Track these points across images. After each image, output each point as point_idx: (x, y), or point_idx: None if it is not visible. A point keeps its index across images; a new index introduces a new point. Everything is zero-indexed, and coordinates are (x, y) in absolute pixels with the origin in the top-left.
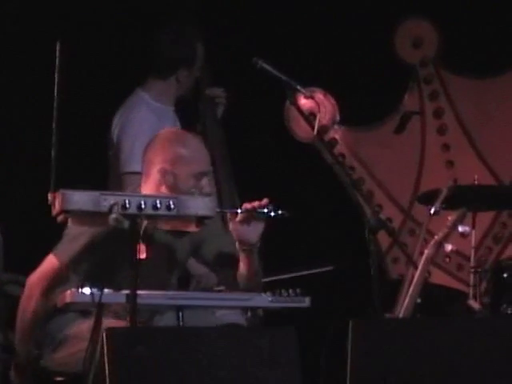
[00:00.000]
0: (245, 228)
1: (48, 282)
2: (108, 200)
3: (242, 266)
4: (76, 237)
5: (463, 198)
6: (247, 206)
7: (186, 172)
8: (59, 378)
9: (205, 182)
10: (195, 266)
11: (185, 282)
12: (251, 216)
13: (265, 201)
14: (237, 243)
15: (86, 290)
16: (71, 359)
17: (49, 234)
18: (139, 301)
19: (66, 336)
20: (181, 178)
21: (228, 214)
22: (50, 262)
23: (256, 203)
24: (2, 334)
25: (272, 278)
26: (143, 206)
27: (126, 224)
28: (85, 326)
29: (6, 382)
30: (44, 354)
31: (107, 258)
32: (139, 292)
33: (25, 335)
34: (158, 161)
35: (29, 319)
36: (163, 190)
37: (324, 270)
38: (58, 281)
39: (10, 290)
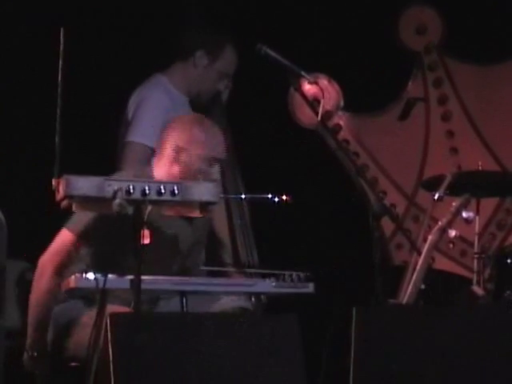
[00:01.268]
0: None
1: (61, 257)
2: (112, 185)
3: None
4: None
5: (467, 185)
6: None
7: (200, 153)
8: (73, 364)
9: (216, 169)
10: None
11: None
12: None
13: None
14: None
15: (90, 276)
16: (79, 345)
17: (53, 223)
18: (143, 286)
19: (72, 322)
20: (194, 158)
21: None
22: (63, 235)
23: None
24: (17, 318)
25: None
26: (147, 192)
27: (130, 210)
28: (88, 312)
29: (10, 367)
30: (53, 340)
31: (116, 240)
32: (143, 277)
33: (37, 318)
34: (175, 139)
35: (41, 300)
36: (175, 169)
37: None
38: (70, 256)
39: (28, 277)
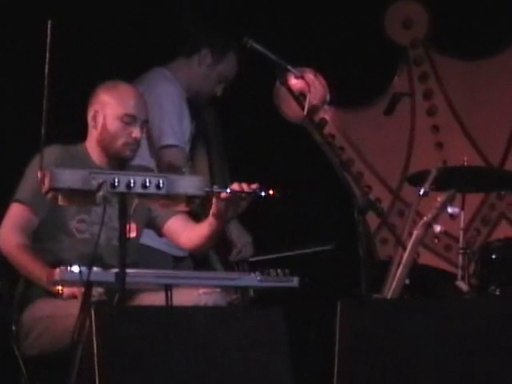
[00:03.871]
0: (226, 206)
1: (20, 227)
2: (97, 178)
3: (207, 229)
4: (28, 175)
5: (452, 180)
6: (235, 187)
7: (112, 113)
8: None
9: (135, 128)
10: (238, 235)
11: (225, 250)
12: (237, 197)
13: (254, 185)
14: (211, 213)
15: (75, 268)
16: (52, 340)
17: None
18: (128, 279)
19: (42, 319)
20: (108, 119)
21: None
22: (13, 208)
23: (245, 186)
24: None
25: (268, 257)
26: (132, 185)
27: (114, 201)
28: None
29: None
30: (25, 341)
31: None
32: (128, 270)
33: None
34: (90, 108)
35: (20, 263)
36: (95, 135)
37: (322, 248)
38: (28, 226)
39: None
